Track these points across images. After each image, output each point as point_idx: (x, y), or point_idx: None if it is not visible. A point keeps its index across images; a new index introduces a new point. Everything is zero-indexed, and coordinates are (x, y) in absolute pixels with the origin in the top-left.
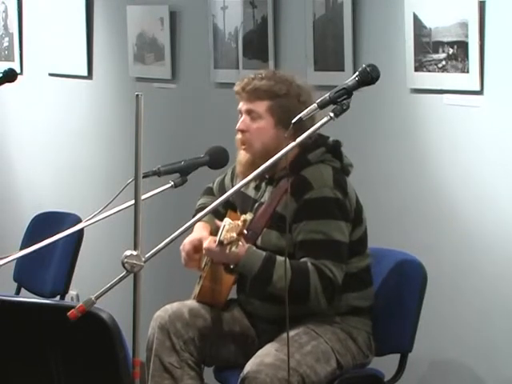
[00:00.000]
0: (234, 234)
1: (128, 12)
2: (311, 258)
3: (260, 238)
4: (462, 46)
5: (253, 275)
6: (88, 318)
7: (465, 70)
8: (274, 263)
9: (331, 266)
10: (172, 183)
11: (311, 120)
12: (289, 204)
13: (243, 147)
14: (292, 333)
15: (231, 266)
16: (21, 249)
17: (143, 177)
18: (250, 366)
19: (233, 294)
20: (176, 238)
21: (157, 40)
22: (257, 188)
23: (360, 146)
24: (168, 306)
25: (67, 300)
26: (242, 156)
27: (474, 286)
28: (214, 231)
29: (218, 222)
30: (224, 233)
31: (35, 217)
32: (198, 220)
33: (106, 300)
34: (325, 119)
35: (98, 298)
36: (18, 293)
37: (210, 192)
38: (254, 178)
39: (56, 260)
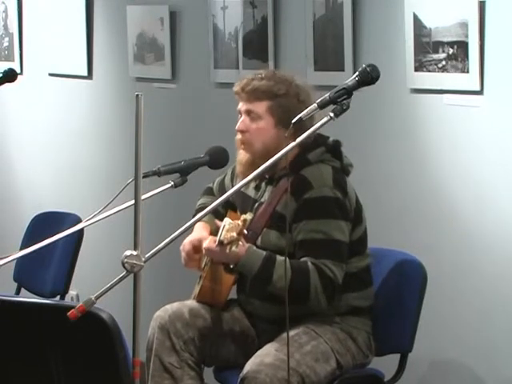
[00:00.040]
0: (234, 234)
1: (128, 12)
2: (311, 258)
3: (260, 238)
4: (462, 46)
5: (253, 275)
6: (88, 318)
7: (465, 70)
8: (274, 263)
9: (331, 266)
10: (172, 183)
11: (311, 120)
12: (289, 204)
13: (243, 147)
14: (292, 333)
15: (231, 266)
16: (21, 249)
17: (143, 177)
18: (249, 365)
19: (233, 294)
20: (176, 238)
21: (157, 40)
22: (257, 188)
23: (360, 146)
24: (168, 306)
25: (67, 300)
26: (242, 156)
27: (474, 286)
28: (213, 231)
29: (218, 222)
30: (224, 232)
31: (35, 217)
32: (198, 220)
33: (106, 300)
34: (325, 119)
35: (98, 297)
36: (18, 293)
37: (210, 192)
38: (254, 178)
39: (56, 260)
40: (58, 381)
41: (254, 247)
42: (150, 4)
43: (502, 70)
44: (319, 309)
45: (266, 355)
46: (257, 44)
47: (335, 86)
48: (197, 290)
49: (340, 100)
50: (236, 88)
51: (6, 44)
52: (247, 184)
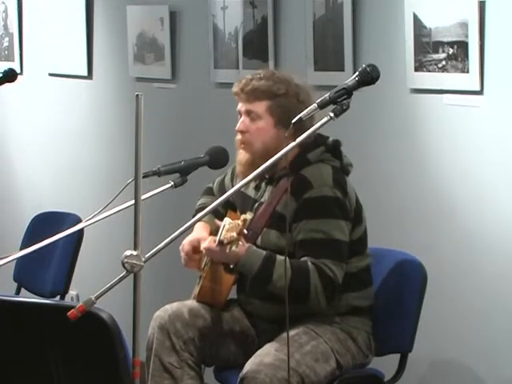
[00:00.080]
0: (234, 234)
1: (128, 12)
2: (311, 257)
3: (260, 238)
4: (462, 46)
5: (253, 274)
6: (88, 318)
7: (465, 70)
8: (274, 262)
9: (331, 265)
10: (172, 183)
11: (311, 120)
12: (289, 203)
13: (243, 146)
14: (292, 333)
15: (231, 266)
16: (21, 249)
17: (143, 177)
18: (249, 365)
19: (233, 294)
20: (176, 238)
21: (157, 40)
22: (257, 188)
23: (360, 146)
24: (168, 306)
25: (67, 300)
26: (242, 156)
27: (474, 286)
28: (213, 231)
29: (217, 222)
30: (224, 232)
31: (35, 217)
32: (198, 220)
33: (106, 300)
34: (325, 119)
35: (98, 297)
36: (18, 293)
37: (210, 192)
38: (254, 178)
39: (56, 260)
40: (58, 381)
41: (254, 247)
42: (150, 4)
43: (501, 70)
44: (319, 308)
45: (266, 355)
46: (257, 44)
47: (335, 86)
48: (197, 290)
49: (340, 100)
50: (235, 88)
51: (5, 44)
52: (247, 184)
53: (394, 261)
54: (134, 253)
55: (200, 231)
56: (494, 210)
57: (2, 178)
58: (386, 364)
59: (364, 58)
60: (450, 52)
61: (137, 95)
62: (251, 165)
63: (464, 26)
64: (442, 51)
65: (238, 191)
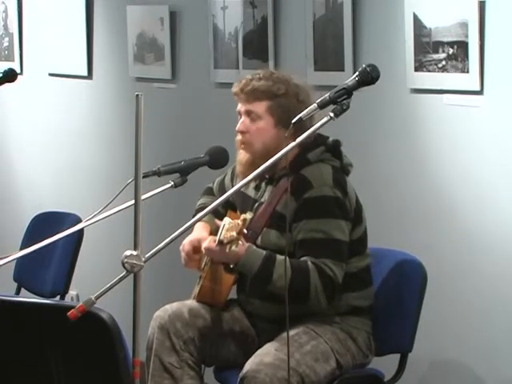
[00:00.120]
0: (234, 233)
1: (128, 12)
2: (311, 257)
3: (260, 238)
4: (462, 46)
5: (253, 274)
6: (88, 318)
7: (465, 70)
8: (274, 262)
9: (331, 265)
10: (172, 183)
11: (311, 120)
12: (289, 203)
13: (243, 146)
14: (292, 332)
15: (231, 266)
16: (21, 249)
17: (143, 177)
18: (249, 365)
19: (233, 294)
20: (176, 238)
21: (157, 40)
22: (257, 188)
23: (360, 146)
24: (168, 306)
25: (67, 300)
26: (242, 156)
27: (474, 286)
28: (213, 231)
29: (217, 222)
30: (224, 232)
31: (35, 217)
32: (198, 220)
33: (106, 300)
34: (325, 119)
35: (98, 297)
36: (18, 293)
37: (210, 192)
38: (254, 178)
39: (56, 260)
40: (58, 381)
41: (254, 246)
42: (150, 4)
43: (502, 70)
44: (319, 308)
45: (266, 355)
46: (257, 44)
47: (335, 86)
48: (197, 290)
49: (340, 100)
50: (235, 89)
51: (6, 44)
52: (247, 184)
53: (394, 261)
54: (134, 253)
55: (200, 231)
56: (493, 209)
57: (2, 178)
58: (386, 364)
59: (364, 57)
60: (450, 52)
61: (137, 95)
62: (251, 165)
63: (464, 26)
64: (442, 51)
65: (238, 191)
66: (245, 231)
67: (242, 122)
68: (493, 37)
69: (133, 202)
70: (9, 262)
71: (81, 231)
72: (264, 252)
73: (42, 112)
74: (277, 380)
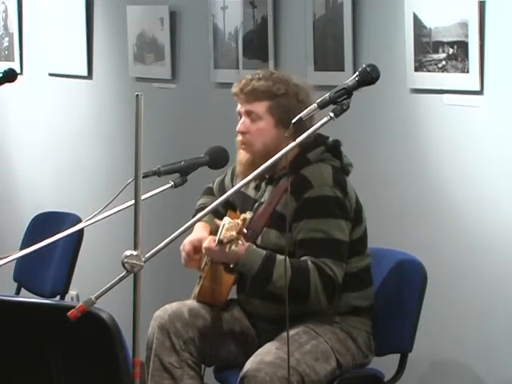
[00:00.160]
0: (234, 233)
1: (128, 12)
2: (311, 257)
3: (260, 238)
4: (462, 46)
5: (253, 274)
6: (88, 318)
7: (465, 70)
8: (273, 262)
9: (331, 265)
10: (172, 183)
11: (311, 120)
12: (289, 203)
13: (243, 147)
14: (292, 332)
15: (231, 266)
16: (21, 249)
17: (143, 177)
18: (250, 364)
19: (233, 294)
20: (176, 238)
21: (157, 40)
22: (257, 188)
23: (360, 145)
24: (168, 306)
25: (67, 300)
26: (242, 156)
27: (474, 286)
28: (213, 231)
29: (217, 222)
30: (224, 231)
31: (35, 217)
32: (198, 220)
33: (106, 300)
34: (325, 119)
35: (98, 297)
36: (18, 293)
37: (209, 192)
38: (254, 178)
39: (56, 260)
40: (58, 381)
41: (254, 246)
42: (150, 4)
43: (502, 70)
44: (319, 308)
45: (267, 354)
46: (257, 44)
47: (335, 86)
48: (197, 290)
49: (340, 100)
50: (234, 89)
51: (5, 44)
52: (247, 184)
53: (394, 261)
54: (134, 253)
55: (200, 231)
56: (493, 209)
57: (2, 178)
58: (386, 364)
59: (364, 57)
60: (450, 52)
61: (137, 95)
62: (252, 165)
63: (464, 25)
64: (442, 51)
65: (238, 191)
66: (245, 231)
67: (243, 122)
68: (493, 37)
69: (133, 202)
70: (9, 261)
71: (81, 231)
72: (264, 252)
73: (41, 112)
74: (277, 379)
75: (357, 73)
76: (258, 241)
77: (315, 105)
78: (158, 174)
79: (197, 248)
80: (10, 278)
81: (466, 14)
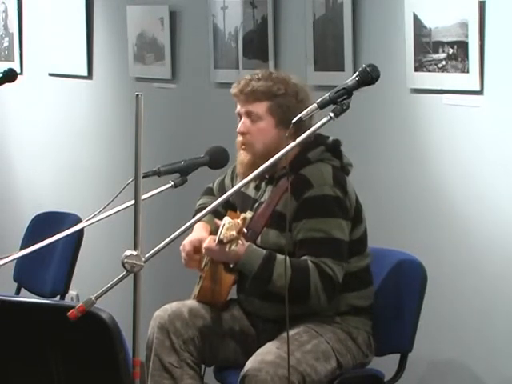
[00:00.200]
0: (234, 233)
1: (128, 12)
2: (311, 256)
3: (260, 237)
4: (462, 46)
5: (253, 274)
6: (88, 318)
7: (465, 70)
8: (273, 261)
9: (331, 264)
10: (172, 183)
11: (311, 120)
12: (289, 203)
13: (244, 147)
14: (292, 332)
15: (231, 265)
16: (21, 249)
17: (143, 177)
18: (250, 363)
19: (233, 294)
20: (176, 238)
21: (157, 40)
22: (257, 188)
23: (360, 145)
24: (167, 306)
25: (67, 300)
26: (243, 157)
27: (474, 286)
28: (213, 231)
29: (217, 222)
30: (224, 231)
31: (35, 217)
32: (198, 220)
33: (106, 300)
34: (325, 119)
35: (98, 297)
36: (18, 293)
37: (209, 192)
38: (254, 178)
39: (56, 260)
40: (58, 381)
41: (254, 246)
42: (150, 4)
43: (502, 70)
44: (319, 308)
45: (267, 353)
46: (257, 44)
47: (335, 86)
48: (197, 290)
49: (340, 100)
50: (234, 90)
51: (5, 44)
52: (247, 184)
53: (394, 261)
54: (134, 253)
55: (200, 231)
56: (493, 209)
57: (2, 178)
58: (386, 364)
59: (364, 58)
60: (450, 52)
61: (137, 95)
62: (252, 165)
63: (464, 25)
64: (442, 51)
65: (238, 191)
66: (245, 230)
67: (243, 123)
68: (493, 37)
69: (133, 202)
70: (9, 261)
71: (81, 231)
72: (264, 251)
73: (42, 112)
74: (278, 378)
75: (357, 73)
76: (258, 240)
77: (315, 105)
78: (158, 173)
79: (197, 248)
80: (10, 278)
81: (465, 14)
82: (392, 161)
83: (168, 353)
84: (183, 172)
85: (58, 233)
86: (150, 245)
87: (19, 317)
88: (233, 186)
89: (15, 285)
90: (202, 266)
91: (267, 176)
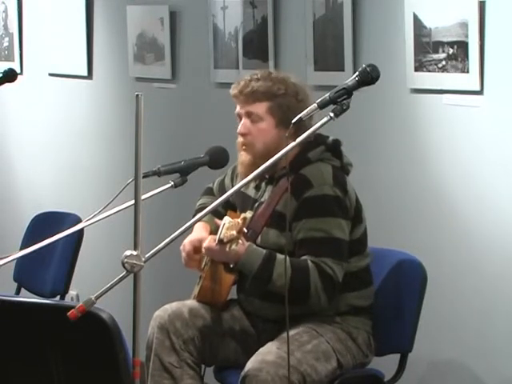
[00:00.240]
0: (234, 232)
1: (128, 12)
2: (311, 256)
3: (260, 237)
4: (462, 46)
5: (253, 274)
6: (88, 318)
7: (465, 70)
8: (274, 261)
9: (331, 264)
10: (172, 183)
11: (311, 120)
12: (289, 202)
13: (244, 148)
14: (292, 332)
15: (231, 265)
16: (21, 249)
17: (143, 177)
18: (251, 363)
19: (233, 294)
20: (176, 237)
21: (157, 40)
22: (257, 188)
23: (360, 145)
24: (167, 306)
25: (67, 300)
26: (244, 157)
27: (474, 286)
28: (213, 231)
29: (217, 222)
30: (224, 231)
31: (35, 217)
32: (198, 220)
33: (106, 300)
34: (325, 119)
35: (98, 297)
36: (18, 293)
37: (209, 192)
38: (254, 178)
39: (56, 260)
40: (58, 381)
41: (254, 246)
42: (150, 4)
43: (501, 70)
44: (320, 307)
45: (268, 353)
46: (257, 44)
47: (335, 86)
48: (197, 290)
49: (340, 100)
50: (233, 91)
51: (5, 44)
52: (247, 184)
53: (394, 261)
54: (134, 253)
55: (200, 231)
56: (493, 209)
57: (2, 178)
58: (386, 364)
59: (364, 58)
60: (450, 52)
61: (137, 95)
62: (253, 166)
63: (464, 25)
64: (442, 51)
65: (238, 191)
66: (245, 230)
67: (243, 123)
68: (493, 37)
69: (133, 202)
70: (9, 261)
71: (81, 231)
72: (264, 251)
73: (42, 112)
74: (278, 378)
75: (357, 73)
76: (258, 240)
77: (315, 105)
78: (158, 173)
79: (197, 248)
80: (10, 278)
81: (466, 14)
82: (392, 161)
83: (168, 353)
84: (183, 172)
85: (57, 233)
86: (149, 245)
87: (19, 317)
88: (233, 186)
89: (15, 285)
90: (202, 265)
91: (267, 176)
